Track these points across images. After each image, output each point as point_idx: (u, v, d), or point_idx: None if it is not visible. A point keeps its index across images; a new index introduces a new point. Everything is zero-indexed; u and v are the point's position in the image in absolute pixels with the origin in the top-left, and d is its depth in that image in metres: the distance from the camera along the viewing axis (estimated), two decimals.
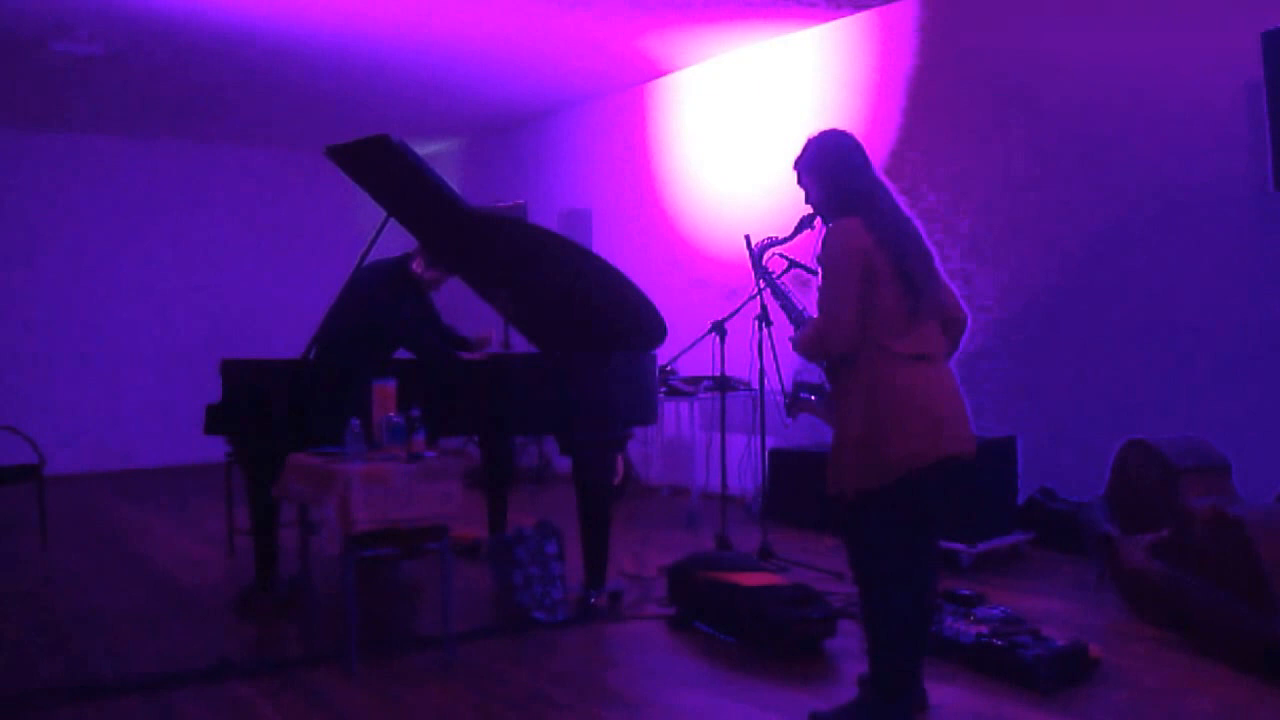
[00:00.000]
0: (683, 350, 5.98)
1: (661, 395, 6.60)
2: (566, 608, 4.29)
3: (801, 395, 3.25)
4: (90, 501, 7.73)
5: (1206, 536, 3.69)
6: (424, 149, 10.34)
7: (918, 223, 3.02)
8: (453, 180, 9.93)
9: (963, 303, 3.12)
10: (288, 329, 8.76)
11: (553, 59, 7.39)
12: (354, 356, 4.67)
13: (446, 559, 3.69)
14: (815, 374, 3.28)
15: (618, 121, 8.41)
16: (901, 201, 3.03)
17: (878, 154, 6.32)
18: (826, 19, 6.61)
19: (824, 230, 3.01)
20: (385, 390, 3.85)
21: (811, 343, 2.97)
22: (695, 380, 6.83)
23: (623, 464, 7.41)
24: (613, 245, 8.10)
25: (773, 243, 3.43)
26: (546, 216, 8.66)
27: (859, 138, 3.11)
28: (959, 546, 4.86)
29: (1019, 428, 5.49)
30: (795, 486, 6.11)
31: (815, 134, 3.10)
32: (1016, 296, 5.68)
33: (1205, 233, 4.91)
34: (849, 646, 3.76)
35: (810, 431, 6.74)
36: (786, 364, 6.57)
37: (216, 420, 4.58)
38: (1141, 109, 5.12)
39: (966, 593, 3.96)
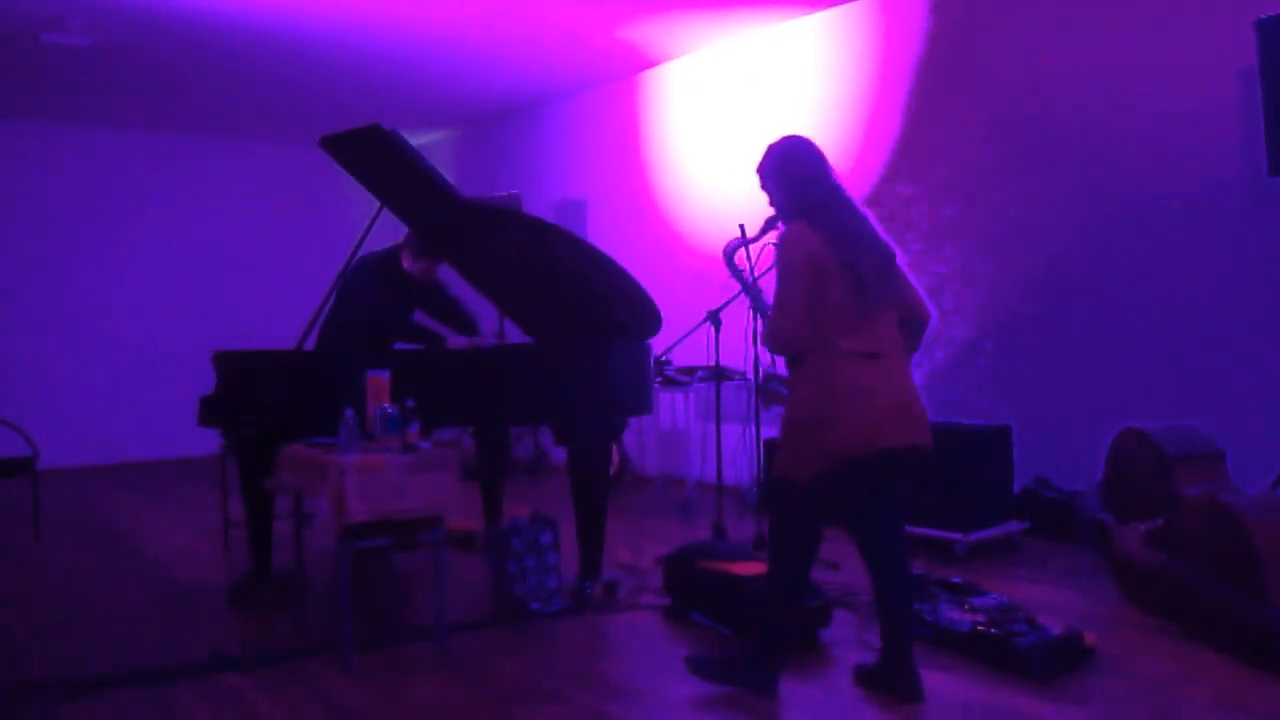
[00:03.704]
0: (678, 340, 5.97)
1: (656, 385, 6.60)
2: (562, 598, 4.29)
3: (772, 386, 3.39)
4: (84, 495, 7.72)
5: (1201, 525, 3.70)
6: (417, 140, 10.31)
7: (875, 223, 3.18)
8: (446, 171, 9.91)
9: (927, 301, 3.28)
10: (282, 321, 8.72)
11: (546, 49, 7.36)
12: (346, 348, 4.68)
13: (441, 550, 3.68)
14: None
15: (612, 111, 8.39)
16: (857, 203, 3.20)
17: (872, 143, 6.32)
18: (821, 7, 6.59)
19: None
20: (379, 381, 3.84)
21: (767, 341, 3.17)
22: (690, 370, 6.83)
23: (618, 454, 7.41)
24: (607, 235, 8.08)
25: (742, 242, 3.59)
26: (541, 207, 8.65)
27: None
28: (954, 535, 4.87)
29: (1014, 416, 5.50)
30: None
31: (775, 140, 3.26)
32: (1011, 285, 5.67)
33: (1200, 220, 4.91)
34: (844, 635, 3.77)
35: None
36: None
37: (210, 412, 4.57)
38: (1136, 97, 5.11)
39: (961, 581, 3.97)
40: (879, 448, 3.02)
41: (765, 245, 3.79)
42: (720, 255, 3.51)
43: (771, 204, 3.28)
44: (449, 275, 5.23)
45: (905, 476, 3.21)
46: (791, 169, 3.19)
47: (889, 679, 3.19)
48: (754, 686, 3.22)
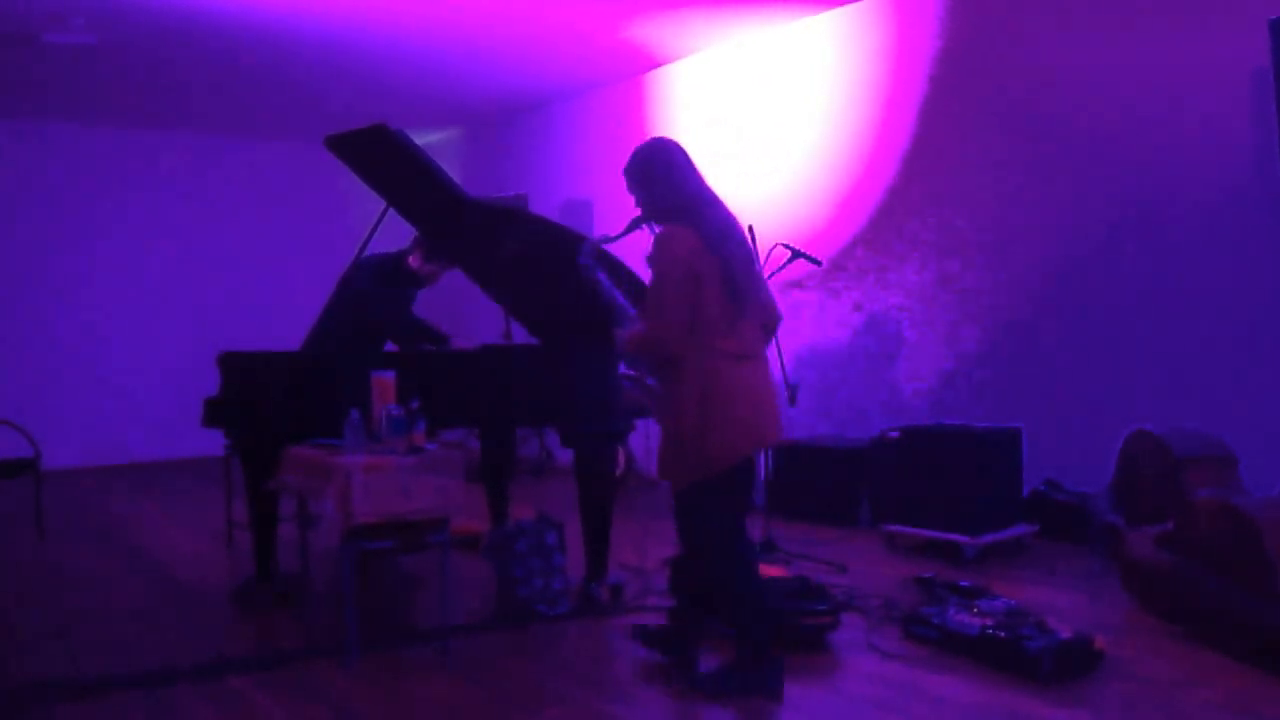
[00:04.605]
0: None
1: None
2: (568, 600, 4.27)
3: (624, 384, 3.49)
4: (87, 496, 7.71)
5: (1212, 528, 3.67)
6: (424, 139, 10.29)
7: (740, 226, 3.24)
8: (452, 171, 9.86)
9: (777, 302, 3.42)
10: (287, 322, 8.71)
11: (553, 48, 7.34)
12: (350, 349, 4.66)
13: (446, 552, 3.66)
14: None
15: (619, 111, 8.37)
16: (724, 206, 3.25)
17: (882, 144, 6.29)
18: (830, 6, 6.56)
19: (654, 234, 3.19)
20: (385, 382, 3.82)
21: (642, 344, 3.20)
22: None
23: (624, 456, 7.39)
24: None
25: (604, 240, 3.60)
26: (547, 207, 8.63)
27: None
28: (963, 538, 4.84)
29: (1024, 419, 5.46)
30: (798, 479, 6.08)
31: (641, 144, 3.30)
32: (1022, 286, 5.64)
33: (1211, 221, 4.87)
34: (852, 638, 3.74)
35: (814, 424, 6.71)
36: (789, 354, 6.54)
37: (215, 413, 4.55)
38: (1148, 96, 5.08)
39: (970, 584, 3.94)
40: (764, 445, 3.14)
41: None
42: None
43: (638, 205, 3.32)
44: (453, 278, 5.21)
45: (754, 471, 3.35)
46: (659, 170, 3.22)
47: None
48: (759, 691, 3.20)
